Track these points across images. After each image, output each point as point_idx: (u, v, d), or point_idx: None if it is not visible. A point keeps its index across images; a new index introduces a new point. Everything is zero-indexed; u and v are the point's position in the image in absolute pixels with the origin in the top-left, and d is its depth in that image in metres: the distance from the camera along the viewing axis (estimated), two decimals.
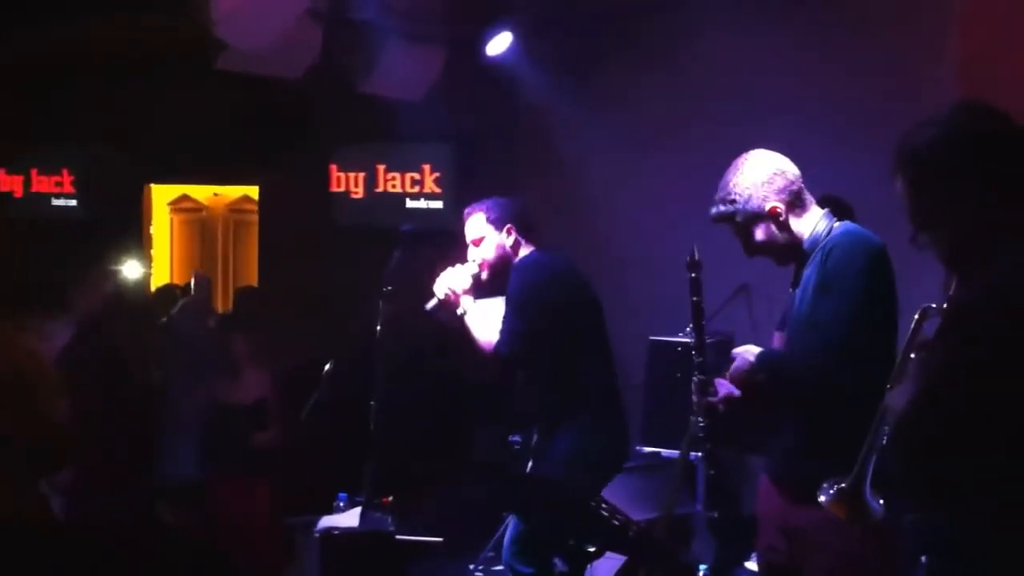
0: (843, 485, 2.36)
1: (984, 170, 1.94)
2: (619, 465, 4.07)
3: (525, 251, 4.02)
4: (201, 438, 4.98)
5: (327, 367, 4.92)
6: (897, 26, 5.64)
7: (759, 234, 2.93)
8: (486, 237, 4.00)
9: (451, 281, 3.96)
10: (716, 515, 3.15)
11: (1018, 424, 1.75)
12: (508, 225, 3.99)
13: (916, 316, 2.21)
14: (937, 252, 2.04)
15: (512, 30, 6.20)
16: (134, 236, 8.62)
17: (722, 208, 2.98)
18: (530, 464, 4.08)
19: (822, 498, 2.41)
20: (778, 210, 2.89)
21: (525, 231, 4.03)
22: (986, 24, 5.45)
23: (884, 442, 2.22)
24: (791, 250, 2.94)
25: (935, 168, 1.98)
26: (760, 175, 2.93)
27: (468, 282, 3.97)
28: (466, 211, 4.09)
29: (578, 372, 3.91)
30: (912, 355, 2.17)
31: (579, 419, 3.87)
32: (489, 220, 4.01)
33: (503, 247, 4.00)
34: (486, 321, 3.96)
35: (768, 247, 2.95)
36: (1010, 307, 1.80)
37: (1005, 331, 1.78)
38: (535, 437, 4.09)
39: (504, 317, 3.88)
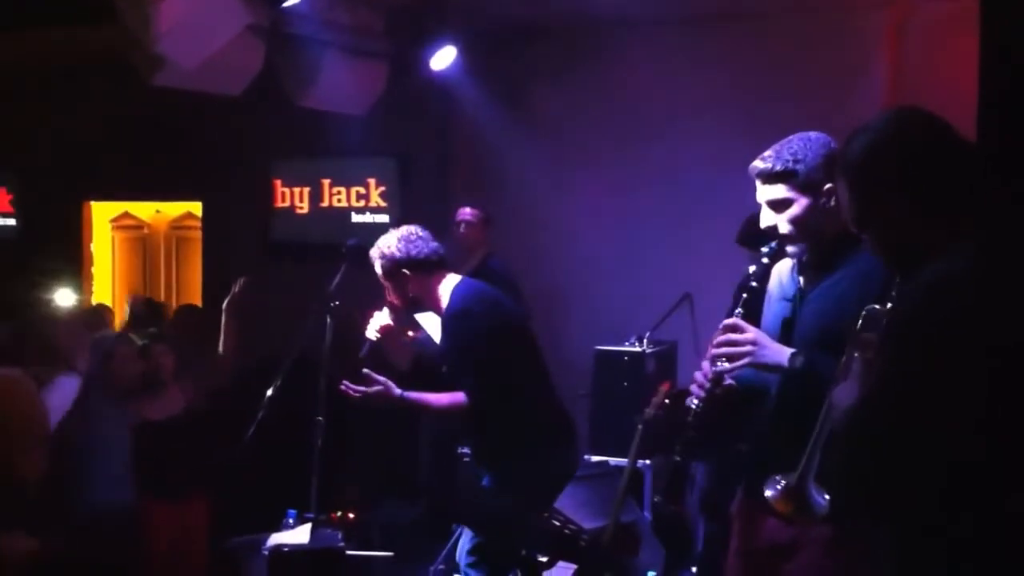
0: (790, 481, 2.36)
1: (915, 180, 1.98)
2: (559, 488, 4.05)
3: (446, 283, 3.97)
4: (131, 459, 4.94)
5: (273, 384, 4.89)
6: (824, 45, 5.84)
7: (798, 209, 2.74)
8: (387, 285, 4.00)
9: (378, 322, 4.04)
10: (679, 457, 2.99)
11: (952, 434, 1.76)
12: (401, 271, 3.93)
13: (861, 315, 2.23)
14: (875, 252, 2.09)
15: (454, 46, 6.24)
16: (75, 254, 8.51)
17: (780, 166, 2.74)
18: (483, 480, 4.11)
19: (768, 493, 2.40)
20: (831, 192, 2.68)
21: (421, 268, 3.94)
22: (915, 41, 5.66)
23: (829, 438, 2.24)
24: (812, 241, 2.76)
25: (868, 175, 2.03)
26: (830, 150, 2.73)
27: (388, 320, 4.04)
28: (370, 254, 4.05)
29: (515, 400, 3.90)
30: (856, 354, 2.19)
31: (519, 445, 3.88)
32: (383, 269, 3.97)
33: (403, 292, 3.98)
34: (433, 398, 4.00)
35: (798, 225, 2.75)
36: (937, 314, 1.82)
37: (934, 341, 1.80)
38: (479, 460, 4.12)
39: (458, 370, 3.90)
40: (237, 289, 5.19)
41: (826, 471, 2.28)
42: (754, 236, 4.18)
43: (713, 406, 2.76)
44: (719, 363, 2.74)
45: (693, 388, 2.80)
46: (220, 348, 5.14)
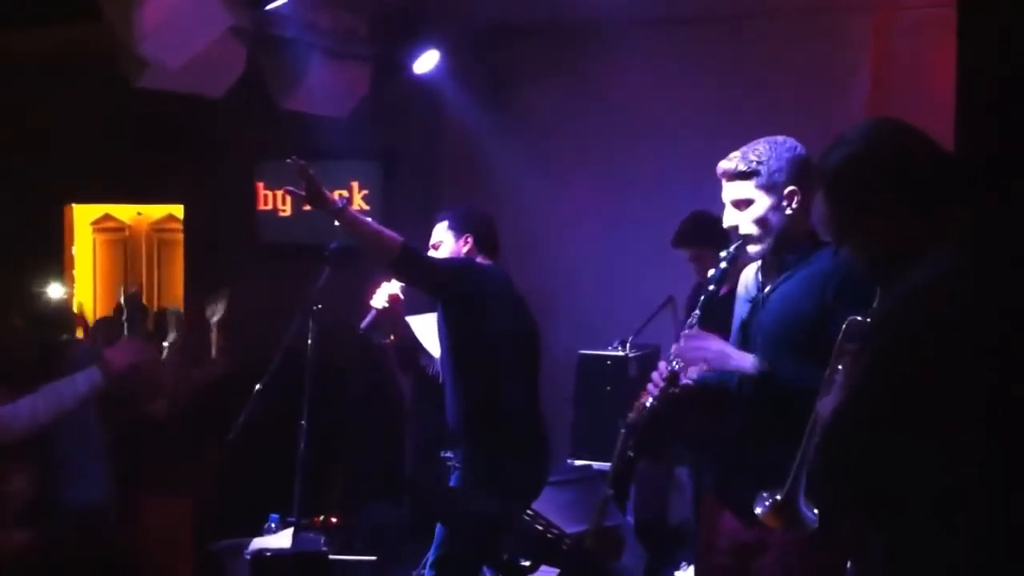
0: (779, 497, 2.37)
1: (895, 186, 2.00)
2: (536, 492, 4.05)
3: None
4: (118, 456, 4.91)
5: (256, 387, 4.87)
6: (808, 48, 5.86)
7: (760, 209, 2.79)
8: (443, 242, 4.05)
9: (386, 291, 4.03)
10: (612, 492, 3.11)
11: (939, 435, 1.77)
12: (467, 235, 4.03)
13: (843, 327, 2.26)
14: (859, 262, 2.10)
15: (438, 48, 6.23)
16: (55, 256, 8.45)
17: (743, 165, 2.80)
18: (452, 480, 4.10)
19: (758, 510, 2.41)
20: (795, 196, 2.78)
21: (483, 245, 4.06)
22: (898, 45, 5.69)
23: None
24: (773, 242, 2.81)
25: (847, 185, 2.04)
26: (795, 154, 2.81)
27: (398, 291, 4.04)
28: (437, 215, 4.16)
29: (502, 395, 3.91)
30: (840, 366, 2.22)
31: (497, 443, 3.88)
32: (450, 227, 4.05)
33: (457, 256, 4.02)
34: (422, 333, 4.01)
35: (760, 225, 2.80)
36: (922, 315, 1.83)
37: (919, 340, 1.81)
38: (459, 455, 4.11)
39: (460, 356, 3.92)
40: (222, 305, 5.13)
41: (811, 474, 2.29)
42: (689, 235, 4.32)
43: (668, 404, 2.82)
44: (675, 363, 2.82)
45: (649, 387, 2.87)
46: (213, 353, 5.12)
